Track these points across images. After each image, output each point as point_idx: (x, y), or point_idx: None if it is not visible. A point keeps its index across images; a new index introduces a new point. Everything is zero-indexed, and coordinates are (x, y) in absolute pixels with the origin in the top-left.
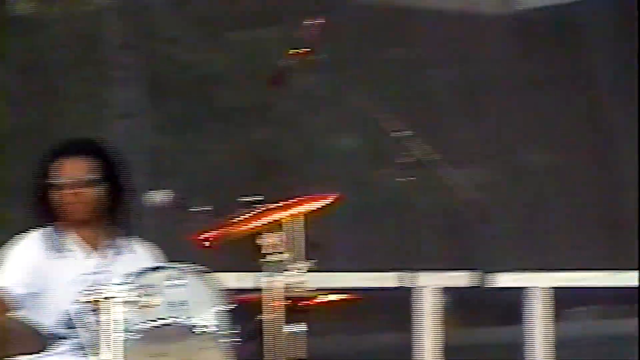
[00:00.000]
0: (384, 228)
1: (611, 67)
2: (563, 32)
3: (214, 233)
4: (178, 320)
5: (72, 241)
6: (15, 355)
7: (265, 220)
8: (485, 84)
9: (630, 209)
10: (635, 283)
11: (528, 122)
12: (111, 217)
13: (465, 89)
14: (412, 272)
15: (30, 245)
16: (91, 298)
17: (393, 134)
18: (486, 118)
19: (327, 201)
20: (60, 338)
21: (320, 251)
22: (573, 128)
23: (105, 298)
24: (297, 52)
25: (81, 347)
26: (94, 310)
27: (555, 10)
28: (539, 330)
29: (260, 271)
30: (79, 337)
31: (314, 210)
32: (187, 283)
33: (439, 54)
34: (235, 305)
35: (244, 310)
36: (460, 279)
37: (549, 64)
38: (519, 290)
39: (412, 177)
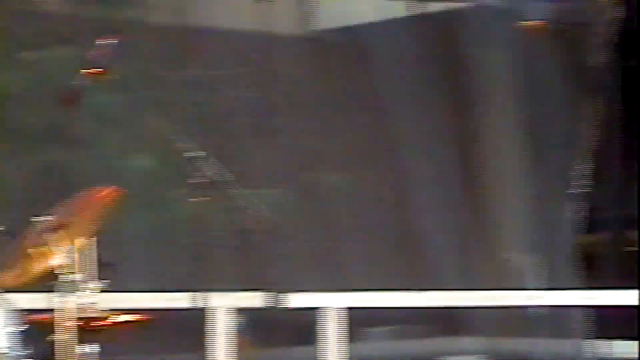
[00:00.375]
0: (178, 248)
1: (404, 88)
2: (357, 53)
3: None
4: None
5: None
6: None
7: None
8: (280, 104)
9: (423, 229)
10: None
11: (322, 142)
12: None
13: (260, 110)
14: (205, 293)
15: None
16: None
17: (187, 154)
18: (281, 138)
19: (110, 194)
20: None
21: (113, 271)
22: (366, 148)
23: None
24: (91, 71)
25: None
26: None
27: (350, 31)
28: (333, 350)
29: (53, 291)
30: None
31: (100, 205)
32: None
33: (235, 74)
34: (27, 325)
35: (37, 331)
36: (254, 299)
37: (343, 85)
38: (315, 311)
39: (206, 197)
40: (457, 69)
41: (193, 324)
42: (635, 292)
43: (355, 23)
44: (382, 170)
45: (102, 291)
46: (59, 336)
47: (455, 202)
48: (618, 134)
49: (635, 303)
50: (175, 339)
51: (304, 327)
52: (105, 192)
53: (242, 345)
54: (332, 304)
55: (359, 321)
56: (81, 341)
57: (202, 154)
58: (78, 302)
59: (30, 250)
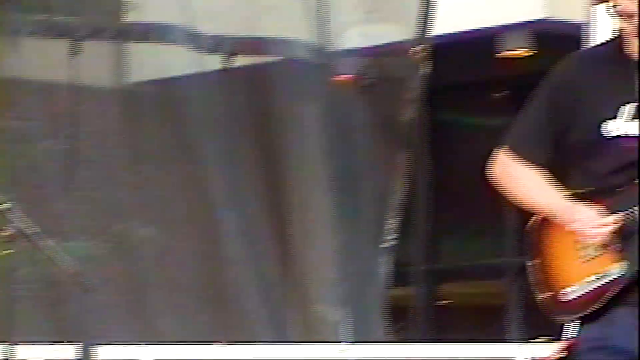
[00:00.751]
0: None
1: (217, 142)
2: (170, 105)
3: None
4: None
5: None
6: None
7: None
8: (92, 156)
9: (235, 282)
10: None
11: (134, 195)
12: None
13: (71, 162)
14: (12, 345)
15: None
16: None
17: None
18: (91, 191)
19: None
20: None
21: None
22: (178, 201)
23: None
24: None
25: None
26: None
27: (162, 83)
28: None
29: None
30: None
31: None
32: None
33: (45, 125)
34: None
35: None
36: (64, 351)
37: (155, 137)
38: None
39: (13, 249)
40: (269, 122)
41: None
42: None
43: (168, 76)
44: (193, 223)
45: None
46: None
47: (267, 255)
48: (427, 188)
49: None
50: None
51: None
52: None
53: None
54: (142, 356)
55: None
56: None
57: (12, 205)
58: None
59: None
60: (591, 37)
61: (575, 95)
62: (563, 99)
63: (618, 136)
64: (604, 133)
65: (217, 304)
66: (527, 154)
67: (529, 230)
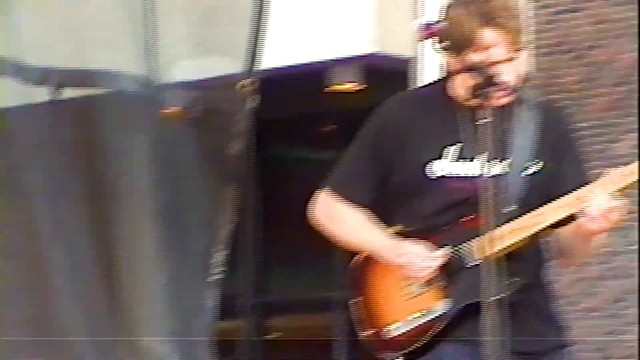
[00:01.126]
0: None
1: (43, 174)
2: None
3: None
4: None
5: None
6: None
7: None
8: None
9: (59, 315)
10: None
11: None
12: None
13: None
14: None
15: None
16: None
17: None
18: None
19: None
20: None
21: None
22: (4, 234)
23: None
24: None
25: None
26: None
27: None
28: None
29: None
30: None
31: None
32: None
33: None
34: None
35: None
36: None
37: None
38: None
39: None
40: (96, 155)
41: None
42: None
43: None
44: (20, 255)
45: None
46: None
47: (94, 288)
48: (255, 221)
49: None
50: None
51: None
52: None
53: None
54: None
55: None
56: None
57: None
58: None
59: None
60: (419, 72)
61: (398, 137)
62: (386, 141)
63: (443, 177)
64: (428, 174)
65: (43, 337)
66: (350, 194)
67: (352, 268)
